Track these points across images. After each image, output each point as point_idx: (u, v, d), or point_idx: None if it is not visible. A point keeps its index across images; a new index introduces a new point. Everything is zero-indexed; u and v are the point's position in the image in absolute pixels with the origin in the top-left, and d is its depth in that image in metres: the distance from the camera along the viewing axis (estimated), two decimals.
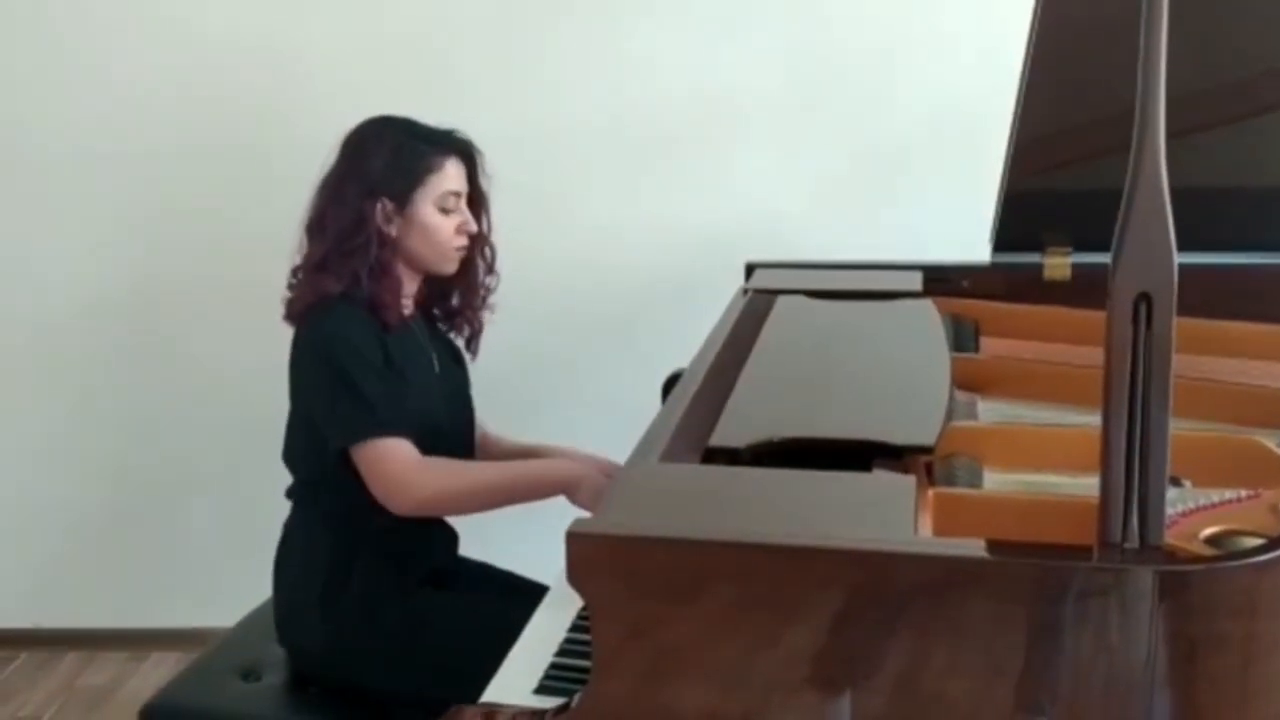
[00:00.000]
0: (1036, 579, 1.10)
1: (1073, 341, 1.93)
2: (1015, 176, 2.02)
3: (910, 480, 1.32)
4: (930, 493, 1.35)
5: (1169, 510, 1.14)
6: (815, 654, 1.13)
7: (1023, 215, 2.07)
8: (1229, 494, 1.33)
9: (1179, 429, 1.14)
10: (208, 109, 2.91)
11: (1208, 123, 1.92)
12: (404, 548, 2.02)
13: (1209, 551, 1.20)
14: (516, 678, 1.57)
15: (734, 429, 1.48)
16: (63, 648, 3.17)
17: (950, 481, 1.44)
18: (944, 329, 1.93)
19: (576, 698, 1.22)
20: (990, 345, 2.02)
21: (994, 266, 2.19)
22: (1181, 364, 1.11)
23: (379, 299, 1.98)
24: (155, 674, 2.99)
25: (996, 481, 1.48)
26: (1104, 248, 1.09)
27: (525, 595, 1.90)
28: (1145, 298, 1.07)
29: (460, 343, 2.20)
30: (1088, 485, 1.21)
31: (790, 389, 1.70)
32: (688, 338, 1.94)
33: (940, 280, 2.20)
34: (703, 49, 2.85)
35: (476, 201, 2.09)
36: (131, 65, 2.91)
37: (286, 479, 2.11)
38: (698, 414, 1.55)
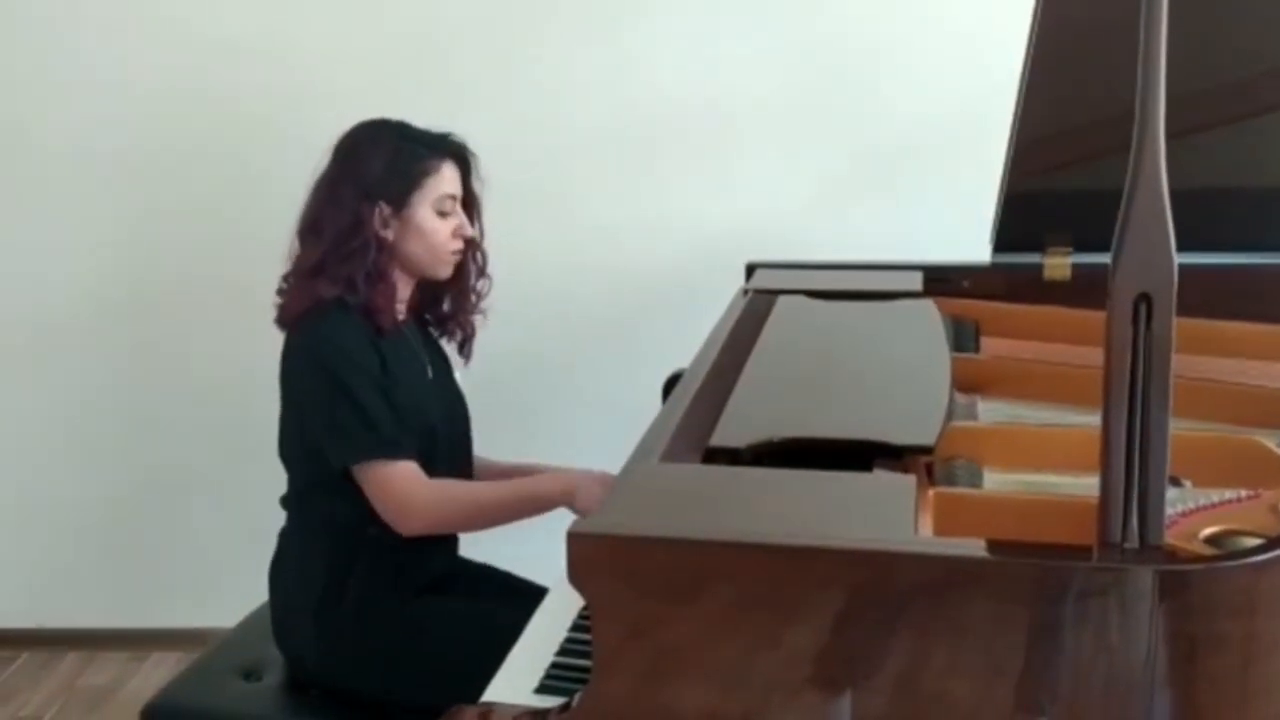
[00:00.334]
0: (1036, 579, 1.10)
1: (1073, 342, 1.93)
2: (1015, 177, 2.02)
3: (910, 480, 1.32)
4: (930, 493, 1.35)
5: (1169, 510, 1.14)
6: (816, 654, 1.13)
7: (1023, 215, 2.07)
8: (1229, 494, 1.33)
9: (1179, 429, 1.14)
10: (207, 110, 2.91)
11: (1208, 123, 1.92)
12: (402, 555, 2.01)
13: (1209, 551, 1.20)
14: (517, 677, 1.57)
15: (734, 429, 1.48)
16: (63, 648, 3.17)
17: (950, 481, 1.44)
18: (944, 329, 1.93)
19: (577, 697, 1.22)
20: (990, 345, 2.02)
21: (994, 267, 2.19)
22: (1180, 364, 1.11)
23: (374, 304, 1.97)
24: (156, 674, 2.99)
25: (996, 481, 1.48)
26: (1104, 248, 1.09)
27: (525, 597, 1.90)
28: (1145, 298, 1.07)
29: (453, 348, 2.19)
30: (1088, 485, 1.21)
31: (790, 389, 1.70)
32: (688, 338, 1.94)
33: (941, 280, 2.20)
34: (702, 49, 2.85)
35: (469, 204, 2.08)
36: (129, 66, 2.91)
37: (287, 479, 2.11)
38: (698, 414, 1.55)
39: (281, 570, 2.09)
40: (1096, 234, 1.17)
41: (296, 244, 2.03)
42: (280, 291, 2.04)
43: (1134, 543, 1.09)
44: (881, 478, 1.35)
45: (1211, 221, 1.77)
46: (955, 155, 2.74)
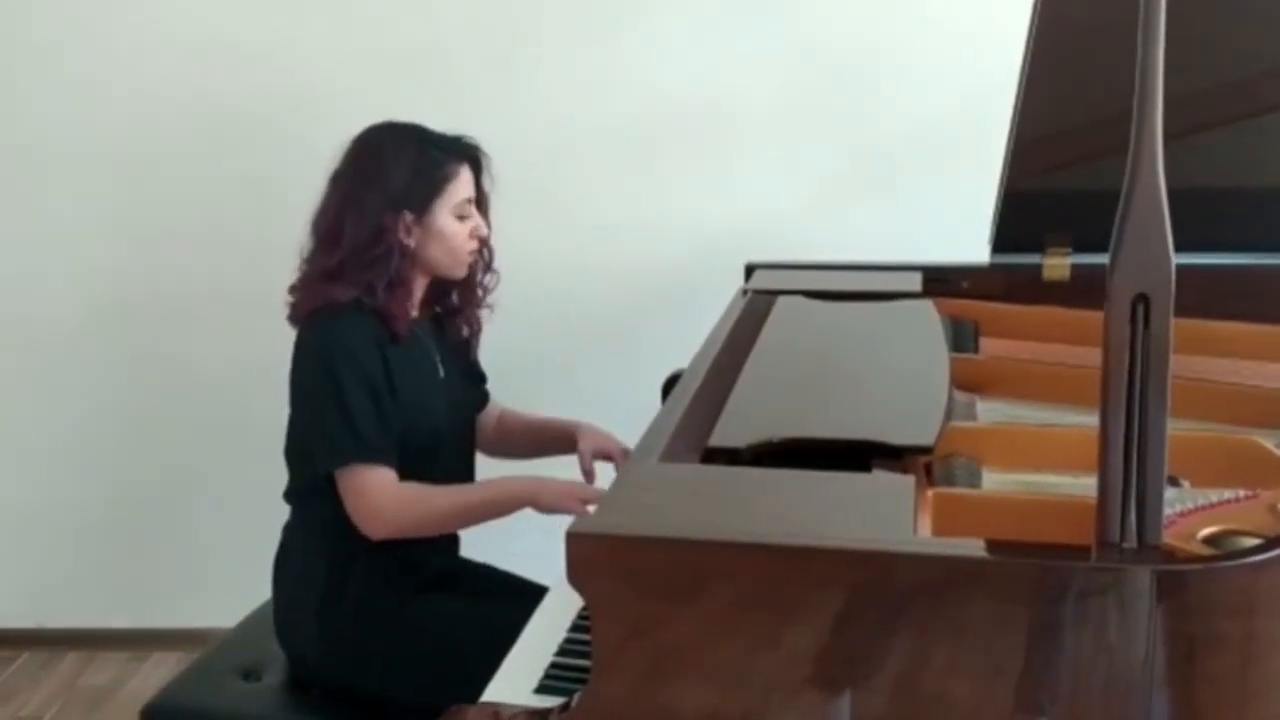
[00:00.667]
0: (1035, 579, 1.11)
1: (1071, 342, 1.93)
2: (1014, 177, 2.02)
3: (909, 480, 1.32)
4: (929, 493, 1.36)
5: (1167, 510, 1.14)
6: (815, 654, 1.13)
7: (1022, 215, 2.07)
8: (1227, 494, 1.33)
9: (1177, 429, 1.14)
10: (208, 111, 2.91)
11: (1206, 123, 1.92)
12: (404, 554, 2.02)
13: (1207, 551, 1.20)
14: (517, 677, 1.57)
15: (734, 429, 1.48)
16: (64, 648, 3.17)
17: (949, 481, 1.44)
18: (943, 329, 1.93)
19: (577, 697, 1.22)
20: (989, 346, 2.02)
21: (993, 267, 2.19)
22: (1178, 364, 1.11)
23: (390, 309, 1.98)
24: (156, 674, 2.99)
25: (995, 481, 1.48)
26: (1103, 248, 1.09)
27: (525, 597, 1.90)
28: (1143, 298, 1.08)
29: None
30: (1086, 485, 1.22)
31: (790, 389, 1.70)
32: (687, 338, 1.94)
33: (940, 281, 2.20)
34: (702, 50, 2.85)
35: (481, 203, 2.10)
36: (131, 70, 2.91)
37: (287, 479, 2.11)
38: (697, 414, 1.55)
39: (284, 565, 2.10)
40: (1095, 234, 1.17)
41: (310, 243, 2.04)
42: (292, 289, 2.05)
43: (1132, 543, 1.09)
44: (880, 478, 1.35)
45: (1210, 222, 1.77)
46: (954, 155, 2.74)
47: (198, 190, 2.96)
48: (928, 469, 1.45)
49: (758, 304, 2.09)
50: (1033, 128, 1.93)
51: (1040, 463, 1.51)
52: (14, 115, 2.96)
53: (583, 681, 1.25)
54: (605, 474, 2.04)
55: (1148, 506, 1.09)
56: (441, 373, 2.11)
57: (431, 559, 2.09)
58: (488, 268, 2.14)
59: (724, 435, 1.47)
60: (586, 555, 1.18)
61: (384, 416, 1.95)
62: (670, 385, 2.13)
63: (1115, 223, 1.08)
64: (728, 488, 1.34)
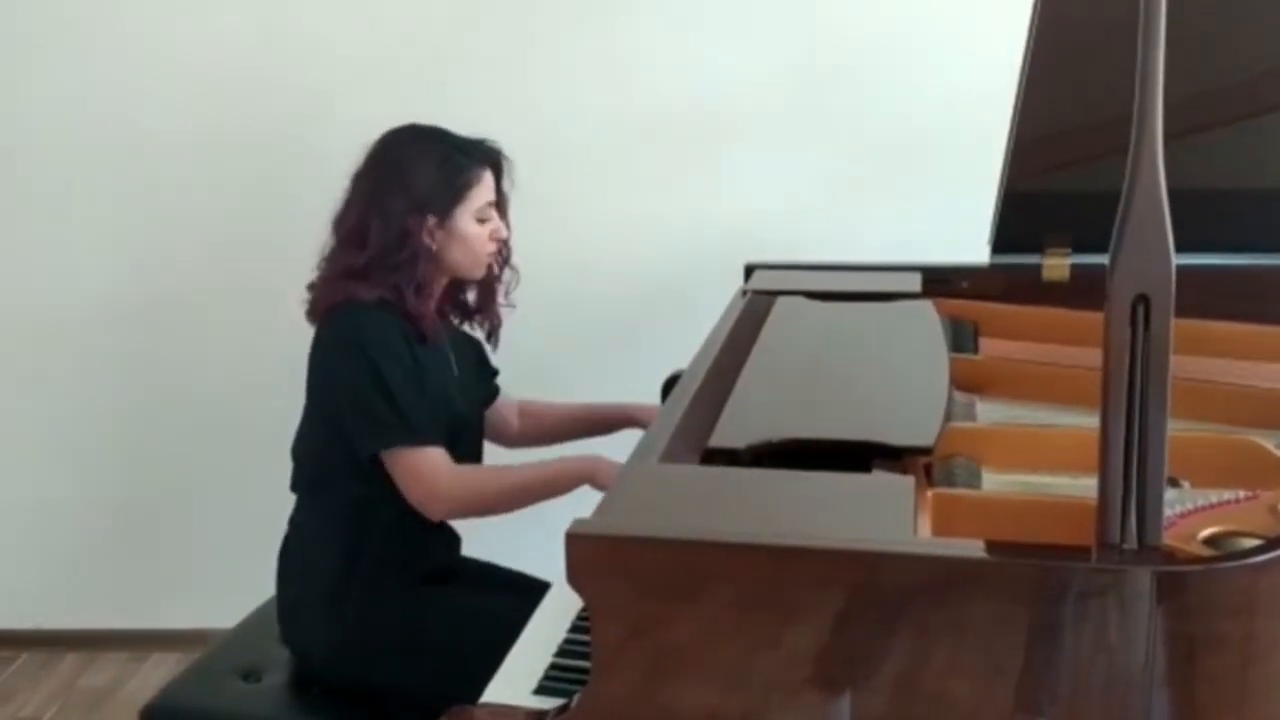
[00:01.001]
0: (1035, 579, 1.11)
1: (1071, 342, 1.93)
2: (1014, 177, 2.02)
3: (909, 481, 1.32)
4: (929, 493, 1.36)
5: (1167, 511, 1.14)
6: (815, 654, 1.13)
7: (1022, 216, 2.07)
8: (1227, 495, 1.33)
9: (1177, 430, 1.14)
10: (208, 112, 2.91)
11: (1207, 124, 1.92)
12: (407, 544, 2.03)
13: (1207, 552, 1.20)
14: (516, 678, 1.57)
15: (733, 430, 1.48)
16: (63, 648, 3.17)
17: (949, 482, 1.44)
18: (943, 330, 1.93)
19: (576, 698, 1.22)
20: (989, 346, 2.02)
21: (993, 267, 2.19)
22: (1178, 365, 1.11)
23: (417, 310, 2.01)
24: (156, 674, 2.99)
25: (995, 482, 1.48)
26: (1103, 249, 1.09)
27: (528, 592, 1.92)
28: (1143, 299, 1.07)
29: (480, 336, 2.23)
30: (1086, 486, 1.22)
31: (789, 390, 1.70)
32: (687, 339, 1.94)
33: (939, 281, 2.20)
34: (702, 50, 2.85)
35: (500, 205, 2.13)
36: (133, 66, 2.91)
37: (288, 480, 2.11)
38: (697, 415, 1.55)
39: (291, 557, 2.11)
40: (1095, 235, 1.17)
41: (332, 242, 2.05)
42: (311, 286, 2.06)
43: (1132, 543, 1.09)
44: (880, 478, 1.35)
45: (1210, 223, 1.77)
46: (954, 156, 2.74)
47: (201, 190, 2.96)
48: (927, 469, 1.45)
49: (757, 304, 2.09)
50: (1033, 128, 1.93)
51: (1040, 463, 1.51)
52: (14, 115, 2.96)
53: (582, 682, 1.25)
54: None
55: (1148, 507, 1.09)
56: (455, 370, 2.14)
57: (437, 547, 2.11)
58: (506, 262, 2.17)
59: (724, 436, 1.47)
60: (586, 556, 1.18)
61: (425, 397, 1.97)
62: (670, 386, 2.13)
63: (1115, 223, 1.08)
64: (727, 488, 1.34)
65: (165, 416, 3.09)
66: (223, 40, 2.89)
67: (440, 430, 1.99)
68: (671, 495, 1.33)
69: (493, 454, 2.26)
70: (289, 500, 2.13)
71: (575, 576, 1.18)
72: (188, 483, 3.10)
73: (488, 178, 2.07)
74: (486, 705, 1.46)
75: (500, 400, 2.31)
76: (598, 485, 1.93)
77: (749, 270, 2.35)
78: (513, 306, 2.21)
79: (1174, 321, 1.08)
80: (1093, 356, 1.21)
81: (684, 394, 1.64)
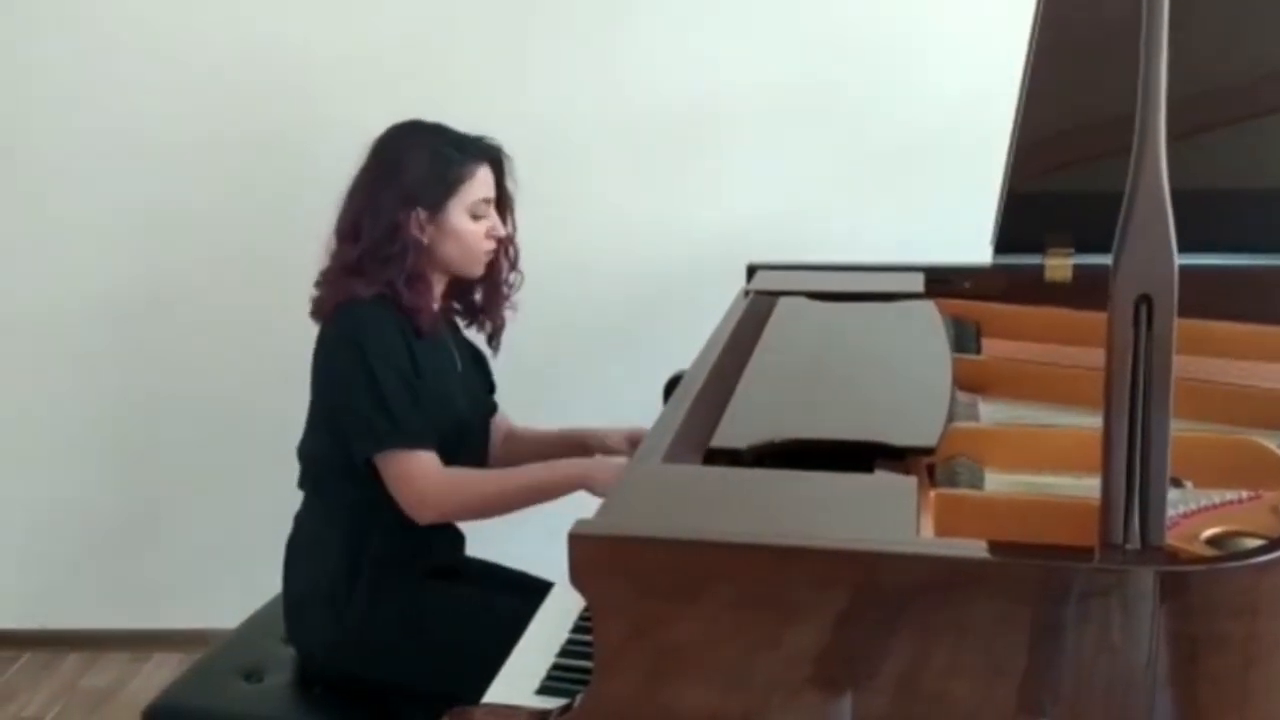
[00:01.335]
0: (1038, 580, 1.11)
1: (1074, 343, 1.93)
2: (1017, 177, 2.02)
3: (912, 481, 1.32)
4: (932, 494, 1.36)
5: (1170, 511, 1.14)
6: (816, 654, 1.13)
7: (1024, 216, 2.07)
8: (1230, 495, 1.33)
9: (1180, 430, 1.14)
10: (213, 109, 2.91)
11: (1209, 124, 1.92)
12: (410, 543, 2.03)
13: (1210, 552, 1.20)
14: (519, 678, 1.57)
15: (736, 430, 1.48)
16: (65, 648, 3.17)
17: (952, 482, 1.44)
18: (945, 330, 1.93)
19: (579, 698, 1.22)
20: (992, 346, 2.02)
21: (995, 268, 2.19)
22: (1181, 365, 1.11)
23: (413, 304, 2.01)
24: (158, 675, 2.99)
25: (998, 482, 1.48)
26: (1106, 249, 1.09)
27: (531, 592, 1.92)
28: (1146, 299, 1.07)
29: (482, 338, 2.23)
30: (1089, 486, 1.22)
31: (792, 390, 1.70)
32: (689, 339, 1.94)
33: (942, 281, 2.20)
34: (704, 50, 2.85)
35: (503, 204, 2.13)
36: (135, 66, 2.91)
37: (290, 481, 2.11)
38: (699, 415, 1.55)
39: (297, 553, 2.11)
40: (1098, 235, 1.17)
41: (334, 241, 2.06)
42: (317, 285, 2.07)
43: (1135, 544, 1.09)
44: (883, 479, 1.35)
45: (1213, 223, 1.77)
46: (957, 156, 2.74)
47: (203, 190, 2.96)
48: (930, 470, 1.45)
49: (759, 305, 2.09)
50: (1035, 128, 1.93)
51: (1042, 463, 1.51)
52: (17, 115, 2.96)
53: (585, 683, 1.25)
54: None
55: (1151, 507, 1.09)
56: (459, 367, 2.14)
57: (439, 546, 2.11)
58: (513, 266, 2.17)
59: (726, 436, 1.47)
60: (589, 556, 1.18)
61: (419, 401, 1.97)
62: (672, 386, 2.13)
63: (1118, 224, 1.08)
64: (729, 489, 1.34)
65: (167, 417, 3.09)
66: (224, 41, 2.89)
67: (433, 434, 1.98)
68: (674, 496, 1.33)
69: None
70: (291, 500, 2.13)
71: (578, 576, 1.18)
72: (190, 483, 3.11)
73: (483, 173, 2.07)
74: (489, 705, 1.46)
75: (498, 419, 2.29)
76: (594, 489, 1.90)
77: (751, 271, 2.35)
78: (514, 309, 2.21)
79: (1181, 322, 1.08)
80: (1095, 357, 1.21)
81: (686, 394, 1.64)
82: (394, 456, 1.95)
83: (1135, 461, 1.09)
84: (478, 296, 2.19)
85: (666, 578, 1.16)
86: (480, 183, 2.06)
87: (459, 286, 2.17)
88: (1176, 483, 1.36)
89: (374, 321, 1.98)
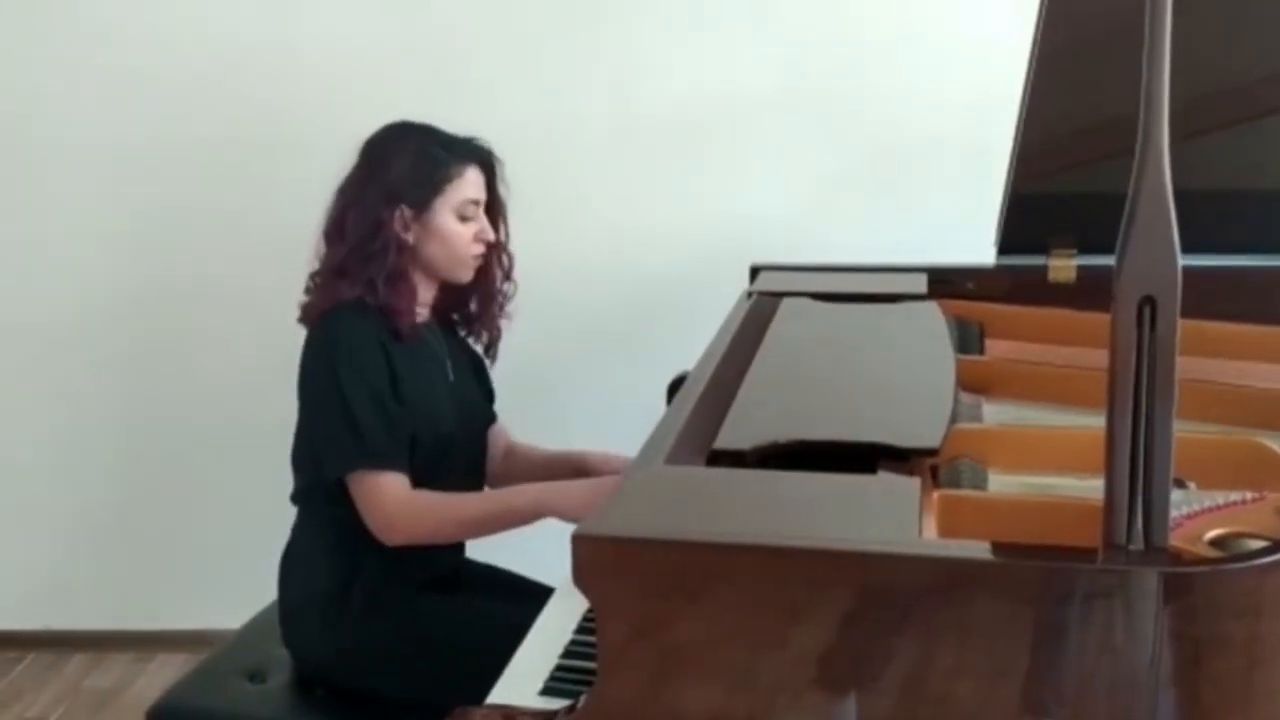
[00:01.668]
0: (1041, 581, 1.11)
1: (1077, 344, 1.92)
2: (1020, 178, 2.02)
3: (915, 482, 1.32)
4: (935, 495, 1.36)
5: (1174, 512, 1.14)
6: (820, 655, 1.13)
7: (1028, 217, 2.07)
8: (1234, 496, 1.33)
9: (1183, 431, 1.14)
10: (214, 110, 2.92)
11: (1212, 126, 1.92)
12: (408, 553, 2.01)
13: (1214, 553, 1.20)
14: (522, 679, 1.57)
15: (739, 431, 1.48)
16: (69, 649, 3.18)
17: (955, 483, 1.44)
18: (949, 331, 1.93)
19: (583, 699, 1.22)
20: (995, 347, 2.02)
21: (999, 268, 2.19)
22: (1184, 366, 1.11)
23: (393, 305, 1.98)
24: (161, 675, 2.99)
25: (1001, 483, 1.48)
26: (1109, 250, 1.09)
27: (531, 597, 1.90)
28: (1149, 300, 1.08)
29: (479, 349, 2.20)
30: (1092, 487, 1.22)
31: (795, 392, 1.70)
32: (692, 340, 1.94)
33: (945, 282, 2.20)
34: (707, 51, 2.86)
35: (494, 209, 2.10)
36: (138, 66, 2.91)
37: (292, 480, 2.11)
38: (703, 416, 1.55)
39: (291, 565, 2.10)
40: (1101, 236, 1.17)
41: (322, 244, 2.05)
42: (307, 290, 2.06)
43: (1139, 545, 1.09)
44: (886, 480, 1.35)
45: (1216, 224, 1.77)
46: (960, 157, 2.74)
47: (204, 192, 2.96)
48: (933, 471, 1.45)
49: (763, 306, 2.09)
50: (1039, 129, 1.93)
51: (1046, 464, 1.51)
52: (19, 115, 2.97)
53: (588, 683, 1.25)
54: None
55: (1154, 508, 1.09)
56: (451, 376, 2.11)
57: (438, 559, 2.09)
58: (507, 275, 2.14)
59: (729, 438, 1.47)
60: (592, 557, 1.18)
61: (390, 421, 1.94)
62: (675, 387, 2.13)
63: (1121, 225, 1.08)
64: (733, 490, 1.34)
65: (170, 419, 3.09)
66: (225, 41, 2.89)
67: (404, 454, 1.95)
68: (677, 496, 1.33)
69: None
70: None
71: (581, 577, 1.18)
72: (192, 484, 3.11)
73: (472, 175, 2.04)
74: (492, 706, 1.46)
75: (497, 432, 2.25)
76: (565, 517, 1.86)
77: (754, 272, 2.35)
78: (508, 319, 2.18)
79: (1184, 322, 1.08)
80: (1099, 357, 1.21)
81: (689, 396, 1.64)
82: (361, 478, 1.92)
83: (1139, 462, 1.09)
84: (473, 306, 2.16)
85: (670, 578, 1.16)
86: (468, 184, 2.03)
87: (454, 296, 2.14)
88: (1180, 484, 1.36)
89: (350, 334, 1.95)
